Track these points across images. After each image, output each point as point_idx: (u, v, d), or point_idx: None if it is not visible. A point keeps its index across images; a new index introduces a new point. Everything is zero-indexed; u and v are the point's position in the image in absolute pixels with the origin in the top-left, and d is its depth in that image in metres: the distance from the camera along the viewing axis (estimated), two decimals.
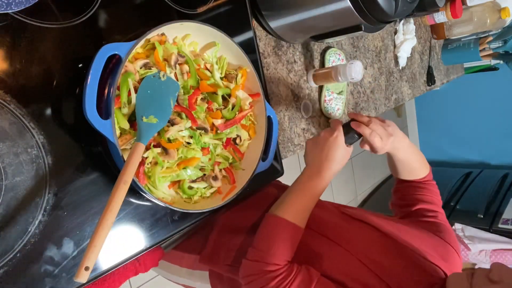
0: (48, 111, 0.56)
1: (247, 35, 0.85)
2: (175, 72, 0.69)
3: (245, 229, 0.79)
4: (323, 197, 0.79)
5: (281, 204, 0.72)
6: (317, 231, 0.75)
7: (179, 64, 0.69)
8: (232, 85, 0.75)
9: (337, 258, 0.69)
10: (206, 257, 0.83)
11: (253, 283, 0.65)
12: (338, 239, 0.72)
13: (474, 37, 1.72)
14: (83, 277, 0.51)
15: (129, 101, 0.62)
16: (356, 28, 0.84)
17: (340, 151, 0.73)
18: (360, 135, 0.77)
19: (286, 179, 0.95)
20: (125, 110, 0.61)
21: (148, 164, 0.65)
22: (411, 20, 1.41)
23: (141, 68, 0.64)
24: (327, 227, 0.76)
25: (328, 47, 1.11)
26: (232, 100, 0.75)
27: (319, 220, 0.77)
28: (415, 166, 0.87)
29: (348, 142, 0.77)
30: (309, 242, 0.72)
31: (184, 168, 0.69)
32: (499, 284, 0.55)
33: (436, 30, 1.63)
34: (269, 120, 0.81)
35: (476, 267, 1.99)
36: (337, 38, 1.03)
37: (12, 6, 0.50)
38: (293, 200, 0.72)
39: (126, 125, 0.61)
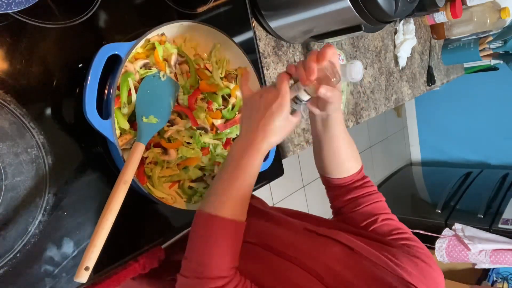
0: (48, 111, 0.56)
1: (247, 35, 0.85)
2: (175, 72, 0.69)
3: None
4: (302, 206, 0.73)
5: (212, 195, 0.58)
6: (272, 251, 0.65)
7: (179, 64, 0.69)
8: (232, 85, 0.75)
9: (295, 283, 0.59)
10: (145, 275, 0.77)
11: None
12: (297, 260, 0.62)
13: (474, 37, 1.73)
14: (83, 277, 0.51)
15: (129, 101, 0.62)
16: (356, 28, 0.84)
17: (281, 122, 0.58)
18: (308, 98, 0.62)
19: (286, 179, 0.95)
20: (125, 110, 0.61)
21: (148, 164, 0.65)
22: (411, 20, 1.41)
23: (141, 68, 0.64)
24: (283, 245, 0.66)
25: None
26: (232, 100, 0.75)
27: (275, 239, 0.68)
28: (350, 152, 0.73)
29: (293, 109, 0.62)
30: (261, 264, 0.63)
31: (184, 168, 0.69)
32: None
33: (436, 30, 1.64)
34: None
35: (476, 267, 1.99)
36: (337, 38, 1.03)
37: (12, 6, 0.50)
38: (225, 187, 0.57)
39: (126, 125, 0.61)
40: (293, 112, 0.61)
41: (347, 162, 0.74)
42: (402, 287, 0.58)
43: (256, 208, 0.83)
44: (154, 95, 0.64)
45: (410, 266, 0.62)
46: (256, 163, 0.58)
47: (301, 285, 0.58)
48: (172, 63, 0.68)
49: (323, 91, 0.60)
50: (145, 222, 0.66)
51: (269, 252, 0.65)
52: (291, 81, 0.62)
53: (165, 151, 0.66)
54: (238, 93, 0.76)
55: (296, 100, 0.62)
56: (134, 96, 0.62)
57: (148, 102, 0.63)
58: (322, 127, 0.69)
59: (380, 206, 0.74)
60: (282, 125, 0.58)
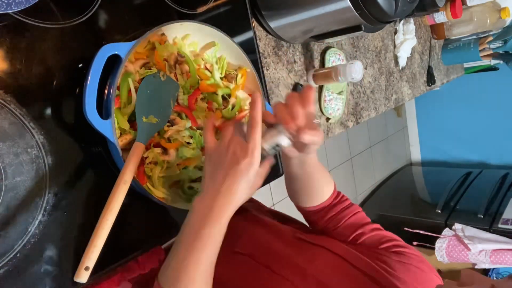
0: (48, 111, 0.56)
1: (247, 35, 0.85)
2: (175, 72, 0.69)
3: None
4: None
5: (170, 269, 0.52)
6: (262, 263, 0.64)
7: (179, 64, 0.69)
8: (232, 85, 0.75)
9: None
10: (138, 284, 0.78)
11: None
12: (287, 273, 0.60)
13: (474, 37, 1.73)
14: (83, 277, 0.51)
15: (129, 101, 0.62)
16: (356, 28, 0.84)
17: (250, 181, 0.51)
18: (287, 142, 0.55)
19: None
20: (125, 110, 0.61)
21: (148, 164, 0.65)
22: (411, 20, 1.41)
23: (141, 68, 0.64)
24: (274, 257, 0.65)
25: (328, 47, 1.11)
26: (232, 100, 0.75)
27: (266, 250, 0.67)
28: (325, 179, 0.71)
29: (264, 156, 0.54)
30: (251, 276, 0.62)
31: (184, 168, 0.69)
32: (469, 286, 0.49)
33: (436, 30, 1.63)
34: None
35: (476, 267, 1.99)
36: (337, 38, 1.03)
37: (12, 6, 0.50)
38: (184, 262, 0.50)
39: (126, 125, 0.61)
40: (262, 159, 0.52)
41: (322, 189, 0.72)
42: None
43: (251, 215, 0.82)
44: (154, 95, 0.64)
45: (404, 274, 0.60)
46: (220, 231, 0.51)
47: None
48: (172, 63, 0.68)
49: (308, 137, 0.53)
50: (145, 222, 0.66)
51: (258, 264, 0.64)
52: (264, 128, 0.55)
53: (165, 151, 0.66)
54: (238, 93, 0.76)
55: (274, 146, 0.55)
56: (134, 96, 0.62)
57: (148, 102, 0.63)
58: (299, 168, 0.66)
59: (360, 216, 0.73)
60: (250, 184, 0.51)
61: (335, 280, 0.59)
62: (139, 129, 0.61)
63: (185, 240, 0.51)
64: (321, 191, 0.72)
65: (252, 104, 0.53)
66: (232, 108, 0.75)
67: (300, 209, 0.77)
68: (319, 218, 0.74)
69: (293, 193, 0.74)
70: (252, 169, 0.50)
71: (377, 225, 0.72)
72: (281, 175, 0.91)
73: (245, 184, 0.51)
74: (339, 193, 0.75)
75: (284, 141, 0.55)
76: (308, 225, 0.81)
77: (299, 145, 0.58)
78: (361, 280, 0.59)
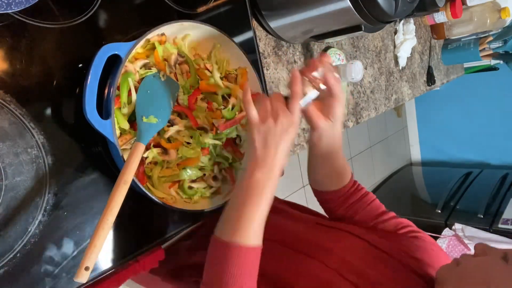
0: (48, 111, 0.56)
1: (247, 35, 0.85)
2: (175, 72, 0.69)
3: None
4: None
5: (228, 221, 0.58)
6: (290, 247, 0.68)
7: (179, 64, 0.69)
8: (232, 85, 0.75)
9: (313, 274, 0.62)
10: (169, 275, 0.82)
11: None
12: (314, 253, 0.65)
13: (474, 37, 1.73)
14: (83, 277, 0.51)
15: (129, 101, 0.62)
16: (356, 28, 0.84)
17: (293, 142, 0.63)
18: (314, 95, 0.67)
19: (286, 178, 0.95)
20: (125, 110, 0.61)
21: (148, 164, 0.65)
22: (411, 20, 1.41)
23: (141, 68, 0.64)
24: (300, 240, 0.69)
25: (328, 47, 1.11)
26: (232, 100, 0.75)
27: (292, 235, 0.72)
28: (345, 162, 0.77)
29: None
30: (281, 260, 0.66)
31: (184, 168, 0.69)
32: (484, 256, 0.55)
33: (436, 30, 1.64)
34: None
35: None
36: (337, 38, 1.03)
37: (12, 6, 0.50)
38: (244, 214, 0.56)
39: (126, 125, 0.61)
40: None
41: (344, 170, 0.77)
42: (415, 276, 0.62)
43: (271, 206, 0.84)
44: (154, 95, 0.64)
45: (421, 255, 0.66)
46: (275, 187, 0.59)
47: (320, 277, 0.61)
48: (172, 63, 0.68)
49: (332, 76, 0.64)
50: (145, 222, 0.66)
51: (287, 248, 0.68)
52: None
53: (165, 151, 0.66)
54: (238, 93, 0.76)
55: (303, 97, 0.64)
56: (134, 96, 0.62)
57: (148, 102, 0.63)
58: (328, 146, 0.71)
59: (377, 204, 0.78)
60: (291, 144, 0.62)
61: (360, 259, 0.64)
62: (139, 129, 0.61)
63: (247, 196, 0.58)
64: (343, 173, 0.77)
65: (292, 80, 0.63)
66: (232, 108, 0.75)
67: (321, 195, 0.80)
68: (338, 205, 0.78)
69: (318, 176, 0.78)
70: (296, 133, 0.62)
71: (393, 213, 0.77)
72: (281, 175, 0.91)
73: (290, 146, 0.62)
74: (355, 181, 0.79)
75: (311, 91, 0.65)
76: (324, 215, 0.85)
77: (325, 107, 0.67)
78: (384, 258, 0.64)
